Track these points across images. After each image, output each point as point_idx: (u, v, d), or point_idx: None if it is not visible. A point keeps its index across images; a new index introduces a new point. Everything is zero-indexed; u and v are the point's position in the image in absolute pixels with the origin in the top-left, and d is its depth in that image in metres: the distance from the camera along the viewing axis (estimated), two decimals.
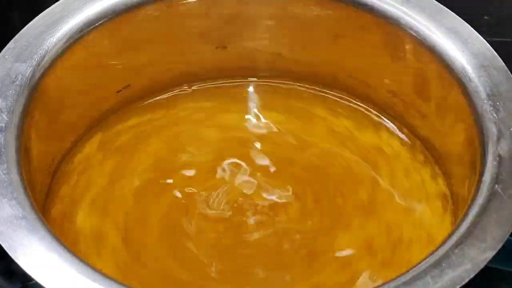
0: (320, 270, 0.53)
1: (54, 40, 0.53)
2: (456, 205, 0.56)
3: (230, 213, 0.56)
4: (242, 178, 0.58)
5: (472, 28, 0.55)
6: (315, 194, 0.57)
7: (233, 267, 0.54)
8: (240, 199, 0.56)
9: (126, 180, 0.58)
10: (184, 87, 0.64)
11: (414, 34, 0.56)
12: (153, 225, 0.55)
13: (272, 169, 0.58)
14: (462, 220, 0.46)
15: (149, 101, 0.63)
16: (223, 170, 0.58)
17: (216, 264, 0.53)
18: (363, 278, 0.52)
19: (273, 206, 0.56)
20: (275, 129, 0.62)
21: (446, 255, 0.44)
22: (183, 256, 0.53)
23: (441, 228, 0.55)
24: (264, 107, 0.63)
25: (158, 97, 0.63)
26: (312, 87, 0.64)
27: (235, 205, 0.56)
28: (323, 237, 0.55)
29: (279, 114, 0.63)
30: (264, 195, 0.57)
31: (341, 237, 0.55)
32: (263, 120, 0.62)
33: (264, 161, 0.59)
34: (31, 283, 0.56)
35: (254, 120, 0.63)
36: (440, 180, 0.58)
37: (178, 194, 0.57)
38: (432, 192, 0.57)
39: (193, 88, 0.64)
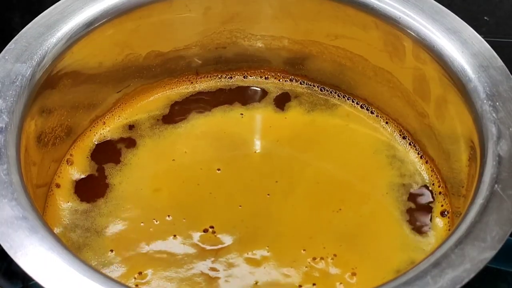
0: None
1: (54, 40, 0.54)
2: (452, 205, 0.56)
3: None
4: None
5: (471, 29, 0.55)
6: None
7: None
8: None
9: (130, 175, 0.58)
10: (184, 87, 0.64)
11: (413, 34, 0.56)
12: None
13: None
14: (462, 220, 0.46)
15: (148, 100, 0.63)
16: None
17: None
18: None
19: None
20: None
21: (446, 255, 0.44)
22: None
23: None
24: (263, 106, 0.64)
25: (157, 96, 0.64)
26: (311, 86, 0.65)
27: None
28: None
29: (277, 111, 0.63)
30: None
31: None
32: (261, 117, 0.63)
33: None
34: (31, 283, 0.56)
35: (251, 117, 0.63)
36: (437, 180, 0.58)
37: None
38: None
39: (192, 88, 0.65)
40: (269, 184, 0.58)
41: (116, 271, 0.52)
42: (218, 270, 0.52)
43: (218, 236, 0.54)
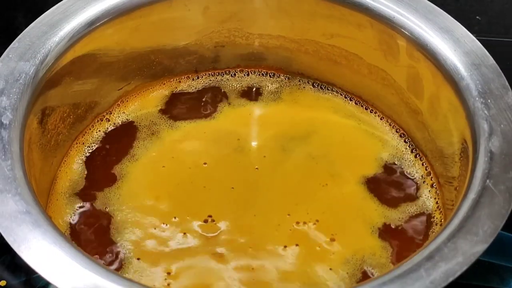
0: None
1: (57, 39, 0.54)
2: (444, 199, 0.57)
3: None
4: None
5: (464, 28, 0.56)
6: None
7: None
8: None
9: (133, 168, 0.59)
10: (184, 88, 0.65)
11: (407, 33, 0.56)
12: None
13: None
14: (455, 214, 0.47)
15: (147, 99, 0.64)
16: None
17: None
18: None
19: None
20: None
21: (439, 249, 0.44)
22: None
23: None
24: (262, 103, 0.64)
25: (156, 95, 0.64)
26: (307, 83, 0.65)
27: None
28: None
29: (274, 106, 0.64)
30: None
31: None
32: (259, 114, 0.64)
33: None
34: (34, 276, 0.57)
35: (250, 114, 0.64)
36: (429, 176, 0.59)
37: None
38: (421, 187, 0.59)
39: (191, 87, 0.65)
40: (256, 159, 0.60)
41: (149, 275, 0.53)
42: (223, 250, 0.54)
43: (216, 222, 0.56)
